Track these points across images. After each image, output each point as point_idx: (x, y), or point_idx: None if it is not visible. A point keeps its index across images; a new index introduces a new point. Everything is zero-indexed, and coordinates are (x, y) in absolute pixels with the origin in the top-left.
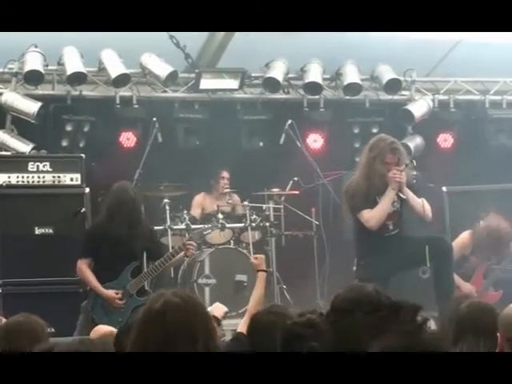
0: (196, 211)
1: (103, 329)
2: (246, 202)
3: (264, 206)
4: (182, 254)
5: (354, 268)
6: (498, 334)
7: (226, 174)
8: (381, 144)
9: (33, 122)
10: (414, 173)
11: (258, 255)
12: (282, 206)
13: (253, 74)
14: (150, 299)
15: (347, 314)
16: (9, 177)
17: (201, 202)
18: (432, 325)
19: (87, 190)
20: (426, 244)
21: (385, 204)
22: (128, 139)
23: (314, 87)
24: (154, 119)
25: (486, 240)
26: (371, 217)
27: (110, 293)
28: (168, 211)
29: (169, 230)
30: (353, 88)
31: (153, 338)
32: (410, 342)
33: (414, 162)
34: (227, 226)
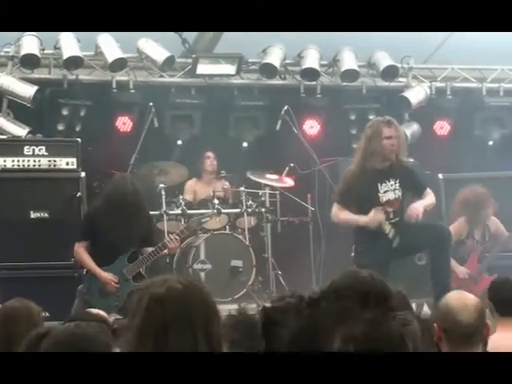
0: (189, 196)
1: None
2: (242, 188)
3: (260, 192)
4: (178, 244)
5: (353, 254)
6: (435, 325)
7: (210, 154)
8: (375, 123)
9: (29, 105)
10: (411, 160)
11: None
12: (277, 192)
13: (250, 60)
14: (152, 284)
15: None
16: (4, 160)
17: (193, 187)
18: (426, 310)
19: (83, 174)
20: (425, 231)
21: (351, 221)
22: (124, 124)
23: (310, 73)
24: (151, 104)
25: (464, 205)
26: (335, 215)
27: (107, 275)
28: (164, 196)
29: (164, 215)
30: (350, 74)
31: (151, 323)
32: (374, 331)
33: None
34: (223, 211)
